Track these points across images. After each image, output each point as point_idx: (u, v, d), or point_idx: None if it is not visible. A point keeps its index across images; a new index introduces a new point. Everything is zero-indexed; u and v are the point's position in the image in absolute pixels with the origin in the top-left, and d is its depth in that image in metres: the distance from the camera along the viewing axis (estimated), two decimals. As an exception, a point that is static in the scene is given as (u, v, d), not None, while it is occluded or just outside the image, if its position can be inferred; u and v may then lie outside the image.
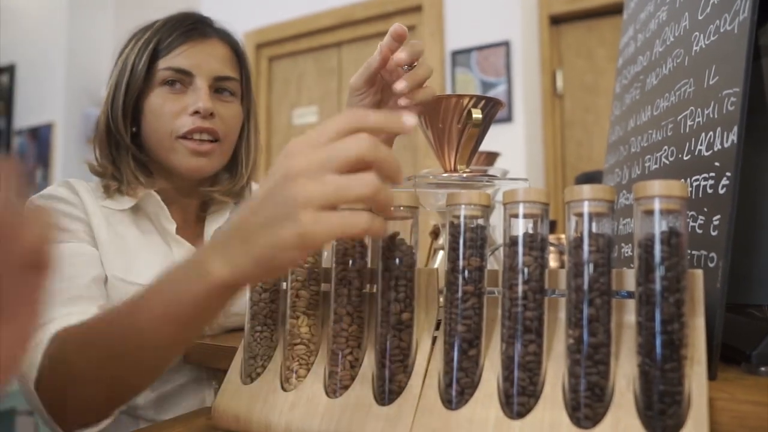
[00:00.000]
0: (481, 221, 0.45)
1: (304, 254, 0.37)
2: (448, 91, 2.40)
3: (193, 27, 0.80)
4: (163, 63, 0.78)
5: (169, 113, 0.77)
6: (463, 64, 2.36)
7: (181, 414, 0.65)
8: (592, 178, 1.11)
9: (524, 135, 2.23)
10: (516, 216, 0.43)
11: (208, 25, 0.83)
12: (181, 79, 0.78)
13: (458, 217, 0.45)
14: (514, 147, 2.20)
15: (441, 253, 0.77)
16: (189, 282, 0.43)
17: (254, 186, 0.96)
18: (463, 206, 0.45)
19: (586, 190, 0.39)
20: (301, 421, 0.48)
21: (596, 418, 0.39)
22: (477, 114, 0.61)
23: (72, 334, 0.58)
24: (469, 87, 2.35)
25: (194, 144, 0.77)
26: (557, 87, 2.36)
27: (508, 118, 2.23)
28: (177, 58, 0.78)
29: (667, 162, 0.58)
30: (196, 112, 0.77)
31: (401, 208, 0.47)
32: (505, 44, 2.27)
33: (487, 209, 0.45)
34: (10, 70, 3.12)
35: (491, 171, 1.12)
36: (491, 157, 1.32)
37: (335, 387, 0.49)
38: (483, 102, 0.64)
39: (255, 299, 0.57)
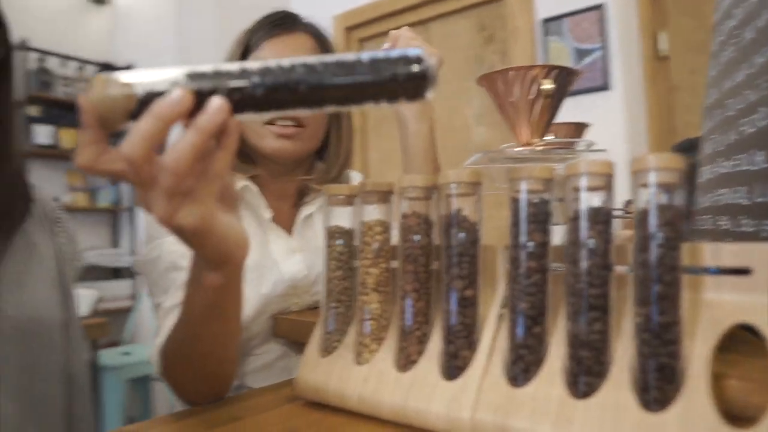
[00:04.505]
0: (544, 195, 0.44)
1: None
2: (540, 62, 2.31)
3: (277, 23, 0.87)
4: (251, 58, 0.85)
5: None
6: (555, 32, 2.25)
7: (270, 384, 0.69)
8: (691, 145, 1.03)
9: (623, 103, 2.09)
10: (579, 189, 0.41)
11: (292, 19, 0.89)
12: None
13: (519, 191, 0.44)
14: (612, 117, 2.08)
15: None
16: None
17: (352, 174, 0.99)
18: (524, 181, 0.44)
19: (651, 159, 0.37)
20: (372, 394, 0.50)
21: (666, 401, 0.37)
22: (548, 85, 0.59)
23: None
24: (561, 56, 2.24)
25: (278, 128, 0.84)
26: (659, 49, 2.19)
27: (604, 86, 2.11)
28: (262, 52, 0.86)
29: (763, 125, 0.53)
30: None
31: (462, 185, 0.47)
32: (599, 8, 2.13)
33: (550, 183, 0.44)
34: (128, 70, 3.40)
35: (578, 143, 1.07)
36: (580, 129, 1.26)
37: (404, 362, 0.50)
38: (555, 72, 0.61)
39: (330, 276, 0.60)
